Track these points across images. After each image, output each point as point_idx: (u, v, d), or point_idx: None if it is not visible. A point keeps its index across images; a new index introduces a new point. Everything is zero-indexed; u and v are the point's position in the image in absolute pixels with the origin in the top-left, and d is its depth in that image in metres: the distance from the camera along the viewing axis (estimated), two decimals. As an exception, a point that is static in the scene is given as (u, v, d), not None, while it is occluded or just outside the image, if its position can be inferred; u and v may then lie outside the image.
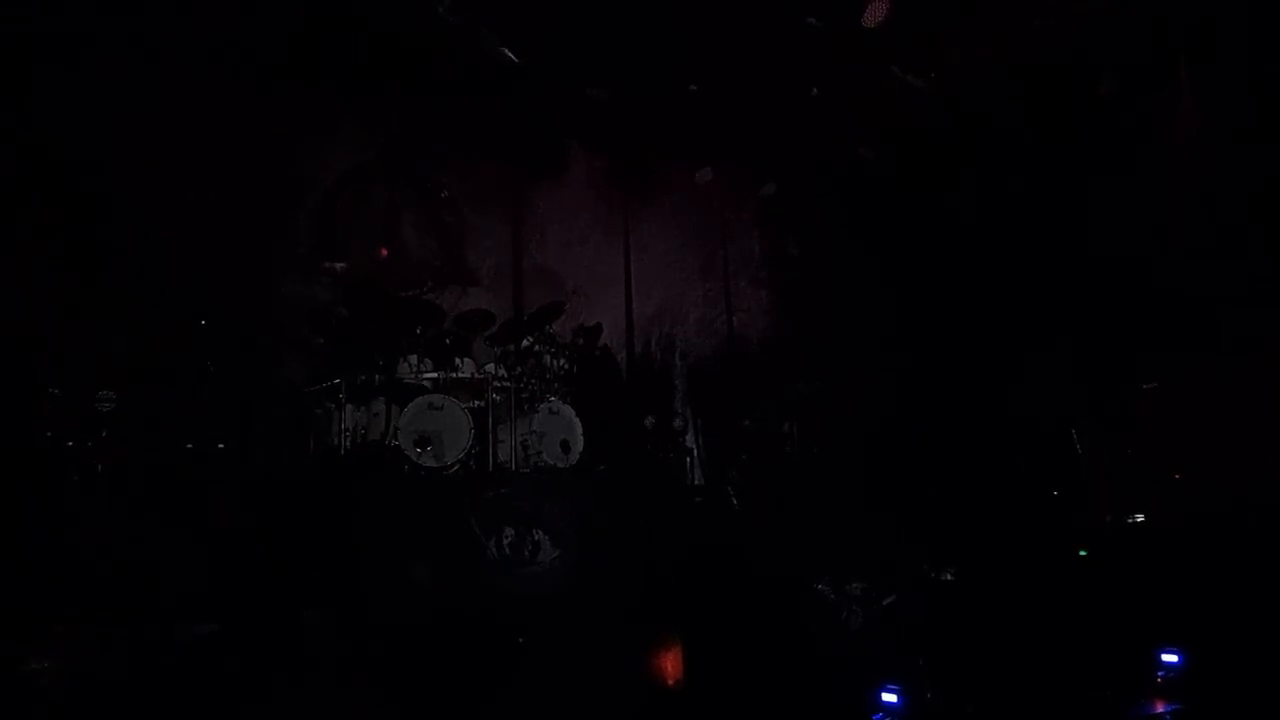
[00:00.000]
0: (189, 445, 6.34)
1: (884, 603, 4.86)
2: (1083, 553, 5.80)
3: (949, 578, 5.66)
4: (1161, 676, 4.06)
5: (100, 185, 6.77)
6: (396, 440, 6.44)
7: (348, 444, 6.64)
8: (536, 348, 7.27)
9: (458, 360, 7.01)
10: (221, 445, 6.47)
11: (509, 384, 7.00)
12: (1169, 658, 4.07)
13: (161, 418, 6.29)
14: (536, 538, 6.49)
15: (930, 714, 3.52)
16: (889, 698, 3.60)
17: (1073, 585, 5.07)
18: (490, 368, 7.13)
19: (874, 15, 6.85)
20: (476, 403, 6.88)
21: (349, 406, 6.70)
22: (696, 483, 8.01)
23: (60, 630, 4.61)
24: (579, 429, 7.09)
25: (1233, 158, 6.80)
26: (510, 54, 7.69)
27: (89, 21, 6.65)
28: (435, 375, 6.85)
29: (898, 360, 7.95)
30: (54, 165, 6.61)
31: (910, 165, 8.48)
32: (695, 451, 8.17)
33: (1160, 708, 3.90)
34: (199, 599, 5.15)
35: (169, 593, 5.14)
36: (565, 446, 7.02)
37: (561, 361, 7.36)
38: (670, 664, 3.94)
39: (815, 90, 8.13)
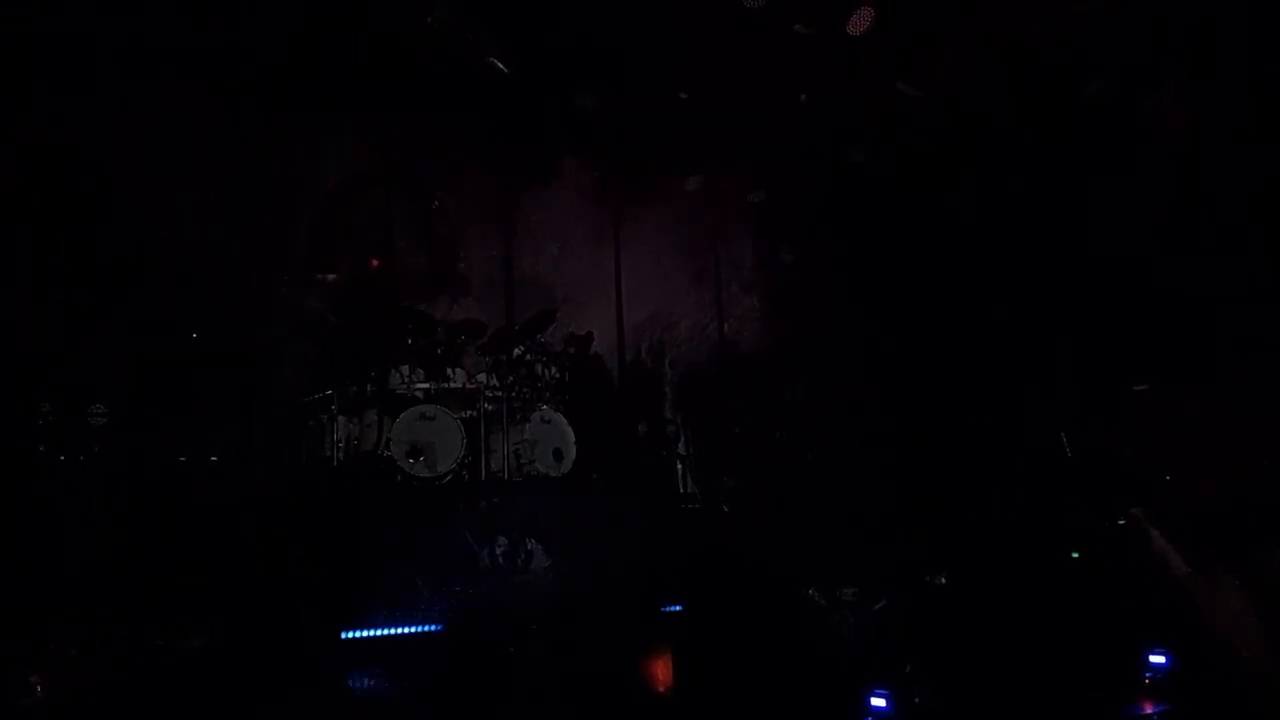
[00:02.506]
0: (182, 458, 6.35)
1: (875, 607, 4.87)
2: (1075, 555, 5.82)
3: (941, 582, 5.68)
4: (1149, 677, 4.08)
5: (92, 196, 6.78)
6: (389, 450, 6.45)
7: (341, 455, 6.65)
8: (528, 357, 7.29)
9: (449, 370, 7.03)
10: (214, 458, 6.48)
11: (501, 393, 7.02)
12: (1156, 659, 4.09)
13: (154, 431, 6.29)
14: (529, 546, 6.50)
15: (918, 718, 3.54)
16: (878, 702, 3.62)
17: (1061, 588, 5.09)
18: (482, 377, 7.14)
19: (859, 24, 6.88)
20: (469, 412, 6.89)
21: (341, 417, 6.71)
22: (688, 490, 8.02)
23: (55, 644, 4.62)
24: (571, 437, 7.11)
25: (1232, 158, 6.83)
26: (500, 64, 7.73)
27: (85, 27, 6.66)
28: (427, 385, 6.87)
29: (890, 365, 7.96)
30: (46, 176, 6.61)
31: (903, 169, 8.50)
32: (687, 459, 8.18)
33: (1148, 709, 3.92)
34: (193, 611, 5.16)
35: (163, 604, 5.15)
36: (558, 455, 7.04)
37: (553, 370, 7.38)
38: (661, 670, 3.95)
39: (804, 97, 8.16)
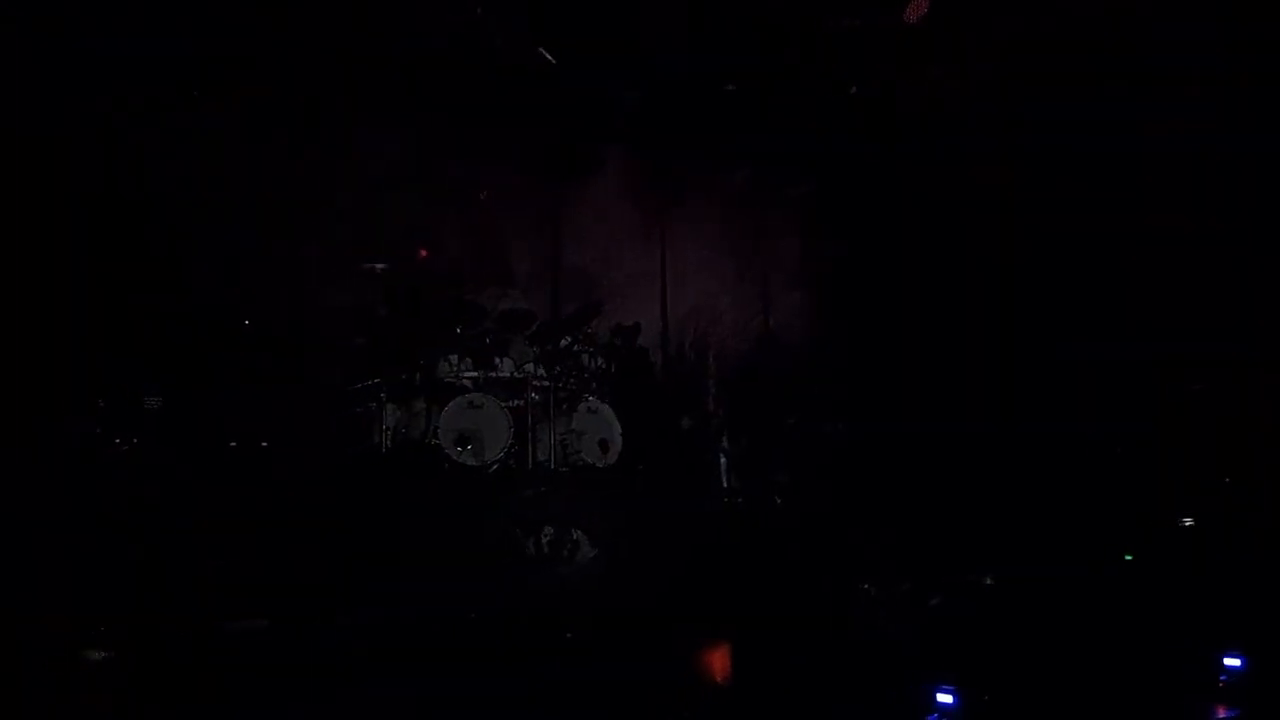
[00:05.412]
0: (233, 444, 6.40)
1: (931, 603, 4.79)
2: (1128, 557, 5.70)
3: (989, 582, 5.59)
4: (1224, 681, 3.96)
5: (142, 189, 6.84)
6: (437, 439, 6.47)
7: (389, 443, 6.67)
8: (575, 347, 7.27)
9: (497, 359, 7.03)
10: (264, 444, 6.52)
11: (548, 383, 7.01)
12: (1232, 662, 3.97)
13: (206, 417, 6.35)
14: (575, 536, 6.48)
15: (987, 715, 3.46)
16: (944, 698, 3.54)
17: (1129, 588, 4.98)
18: (529, 367, 7.14)
19: (916, 10, 6.79)
20: (516, 402, 6.89)
21: (390, 405, 6.74)
22: (733, 483, 7.96)
23: (107, 625, 4.65)
24: (618, 428, 7.09)
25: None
26: (548, 55, 7.71)
27: (131, 21, 6.71)
28: (475, 374, 6.88)
29: (943, 360, 7.85)
30: (96, 170, 6.68)
31: (949, 160, 8.37)
32: (732, 451, 8.11)
33: (1222, 713, 3.80)
34: (245, 595, 5.19)
35: (215, 589, 5.18)
36: (604, 446, 7.03)
37: (600, 361, 7.36)
38: (718, 662, 3.90)
39: (854, 88, 8.08)
